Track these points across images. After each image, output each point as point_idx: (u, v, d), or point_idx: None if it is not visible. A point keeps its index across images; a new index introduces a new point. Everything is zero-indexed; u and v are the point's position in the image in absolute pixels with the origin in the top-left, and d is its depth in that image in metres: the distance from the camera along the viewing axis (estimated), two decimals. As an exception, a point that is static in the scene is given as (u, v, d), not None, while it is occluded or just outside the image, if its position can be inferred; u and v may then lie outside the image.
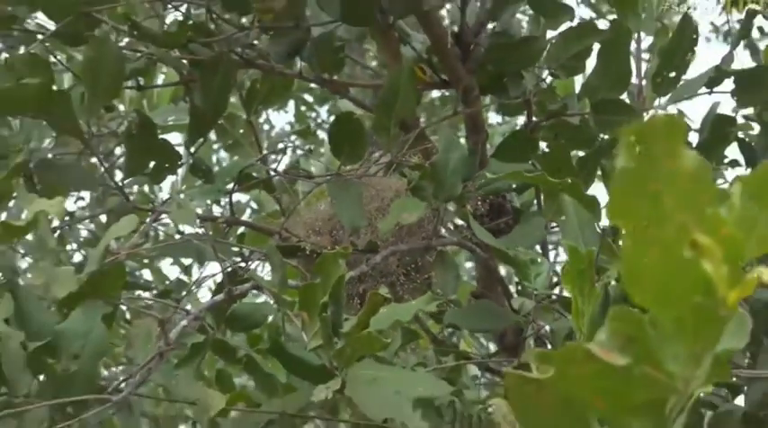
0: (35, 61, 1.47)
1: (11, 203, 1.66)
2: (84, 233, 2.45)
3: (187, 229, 1.90)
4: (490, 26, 1.78)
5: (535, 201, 1.83)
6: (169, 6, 1.76)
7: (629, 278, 0.52)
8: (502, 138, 1.87)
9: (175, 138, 2.13)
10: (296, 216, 1.66)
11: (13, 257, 1.42)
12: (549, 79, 1.82)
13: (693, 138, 1.83)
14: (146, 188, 2.31)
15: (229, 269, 1.45)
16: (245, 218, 2.85)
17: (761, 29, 1.92)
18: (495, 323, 1.61)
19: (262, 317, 1.48)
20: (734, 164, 1.91)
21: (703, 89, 1.81)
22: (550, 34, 1.80)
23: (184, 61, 1.67)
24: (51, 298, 1.25)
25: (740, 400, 1.57)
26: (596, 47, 1.77)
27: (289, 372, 1.35)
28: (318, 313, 1.24)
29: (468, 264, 3.21)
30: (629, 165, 0.50)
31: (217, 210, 2.53)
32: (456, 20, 1.77)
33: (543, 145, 1.83)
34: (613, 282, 1.06)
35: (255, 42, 1.72)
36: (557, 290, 1.56)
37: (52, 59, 1.78)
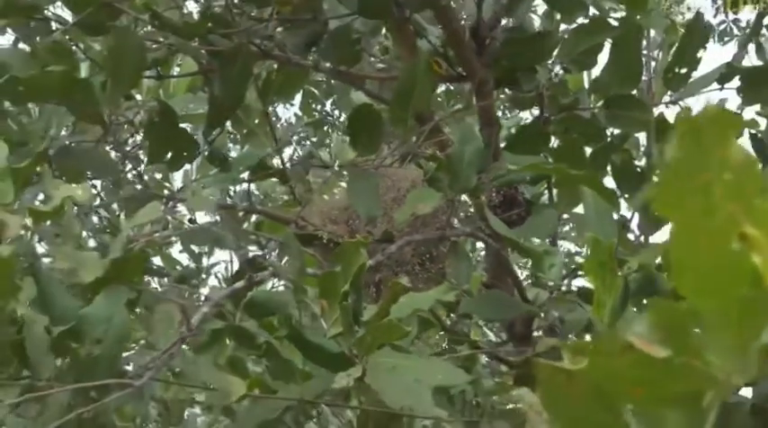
0: (59, 49, 1.49)
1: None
2: (94, 219, 2.46)
3: (200, 217, 1.91)
4: (504, 21, 1.80)
5: (545, 193, 1.85)
6: (188, -3, 1.77)
7: (675, 268, 0.53)
8: (507, 132, 1.89)
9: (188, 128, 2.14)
10: (311, 205, 1.67)
11: (32, 242, 1.43)
12: (560, 74, 1.83)
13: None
14: (157, 176, 2.32)
15: (250, 256, 1.46)
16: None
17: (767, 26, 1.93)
18: (508, 312, 1.63)
19: (280, 304, 1.49)
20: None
21: (710, 86, 1.82)
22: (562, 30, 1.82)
23: (203, 52, 1.68)
24: (76, 282, 1.26)
25: (747, 392, 1.58)
26: (608, 43, 1.79)
27: (307, 359, 1.36)
28: (339, 301, 1.25)
29: (472, 254, 3.22)
30: (680, 155, 0.51)
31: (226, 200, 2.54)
32: (470, 14, 1.79)
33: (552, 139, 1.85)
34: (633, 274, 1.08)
35: (273, 34, 1.74)
36: (567, 281, 1.58)
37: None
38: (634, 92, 1.83)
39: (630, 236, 1.77)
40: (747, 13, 4.21)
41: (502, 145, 1.82)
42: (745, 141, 1.85)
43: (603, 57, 1.81)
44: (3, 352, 1.25)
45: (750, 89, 1.85)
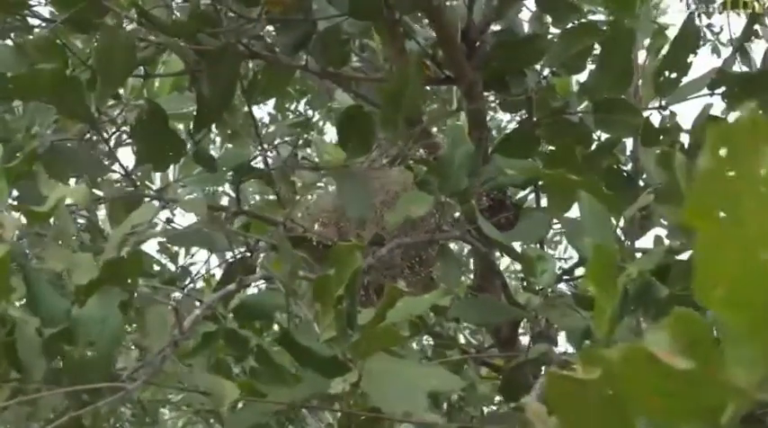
0: (48, 46, 1.47)
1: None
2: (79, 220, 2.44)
3: (179, 218, 1.89)
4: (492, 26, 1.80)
5: (532, 198, 1.84)
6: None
7: (701, 279, 0.52)
8: (495, 135, 1.88)
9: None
10: (299, 207, 1.66)
11: (22, 243, 1.41)
12: (549, 77, 1.83)
13: (684, 139, 1.85)
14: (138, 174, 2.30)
15: (239, 257, 1.45)
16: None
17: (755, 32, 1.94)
18: (496, 317, 1.63)
19: (271, 308, 1.48)
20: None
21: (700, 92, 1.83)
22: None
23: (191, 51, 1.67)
24: (67, 283, 1.25)
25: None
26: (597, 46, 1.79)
27: (299, 363, 1.35)
28: (334, 305, 1.24)
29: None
30: (711, 165, 0.51)
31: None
32: (461, 17, 1.78)
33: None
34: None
35: (262, 34, 1.73)
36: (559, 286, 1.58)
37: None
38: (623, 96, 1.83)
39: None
40: (722, 18, 4.22)
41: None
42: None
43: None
44: (-7, 354, 1.23)
45: (734, 94, 1.85)
